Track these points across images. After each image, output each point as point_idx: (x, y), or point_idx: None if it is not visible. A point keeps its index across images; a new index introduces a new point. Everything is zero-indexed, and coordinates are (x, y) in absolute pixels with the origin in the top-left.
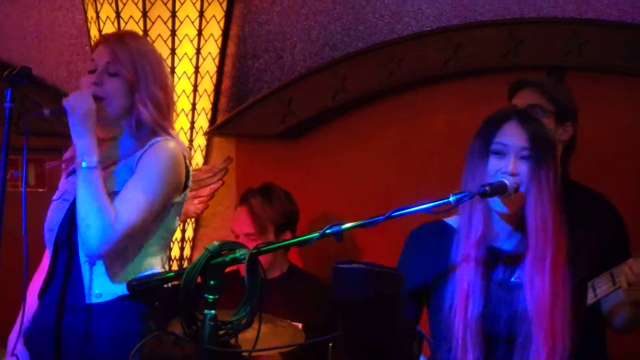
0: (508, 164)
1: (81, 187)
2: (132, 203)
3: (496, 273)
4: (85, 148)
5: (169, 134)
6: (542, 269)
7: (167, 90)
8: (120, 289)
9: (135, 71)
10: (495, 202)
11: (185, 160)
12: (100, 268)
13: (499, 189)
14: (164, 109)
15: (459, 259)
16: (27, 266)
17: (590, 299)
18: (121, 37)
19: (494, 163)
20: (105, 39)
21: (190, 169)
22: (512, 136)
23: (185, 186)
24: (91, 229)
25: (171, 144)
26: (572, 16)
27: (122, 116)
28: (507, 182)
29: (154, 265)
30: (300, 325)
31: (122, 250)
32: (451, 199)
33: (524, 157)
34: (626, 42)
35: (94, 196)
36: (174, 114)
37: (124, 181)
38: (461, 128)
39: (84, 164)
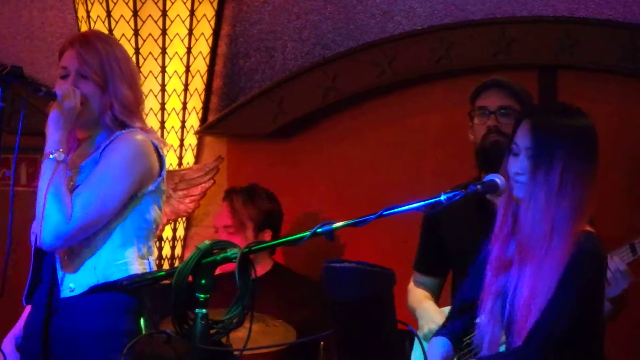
0: (517, 163)
1: (44, 178)
2: (88, 199)
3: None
4: (56, 141)
5: (137, 128)
6: (529, 267)
7: (135, 88)
8: (91, 280)
9: (104, 73)
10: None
11: (158, 149)
12: (69, 261)
13: (490, 188)
14: (132, 106)
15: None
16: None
17: (628, 258)
18: (87, 39)
19: (511, 163)
20: (71, 43)
21: (165, 158)
22: (522, 136)
23: (160, 175)
24: (47, 223)
25: (138, 136)
26: (564, 15)
27: (97, 118)
28: (498, 181)
29: (127, 255)
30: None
31: (88, 241)
32: (442, 197)
33: (529, 157)
34: (618, 41)
35: (54, 190)
36: (143, 107)
37: (88, 174)
38: (453, 127)
39: (51, 156)
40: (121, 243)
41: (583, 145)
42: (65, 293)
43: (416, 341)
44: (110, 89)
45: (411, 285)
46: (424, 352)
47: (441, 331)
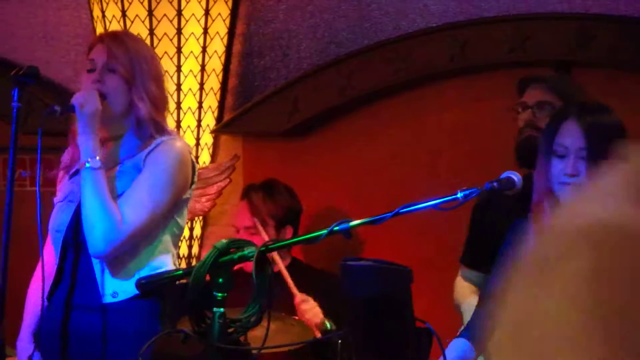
0: (568, 165)
1: (85, 188)
2: (138, 204)
3: None
4: (89, 148)
5: (171, 133)
6: None
7: (162, 88)
8: (133, 287)
9: (132, 67)
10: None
11: (191, 156)
12: (113, 267)
13: (506, 185)
14: (160, 104)
15: None
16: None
17: None
18: (117, 36)
19: (556, 164)
20: (101, 38)
21: (196, 165)
22: (570, 136)
23: (192, 182)
24: (96, 231)
25: (178, 143)
26: (579, 11)
27: (124, 114)
28: (514, 177)
29: (166, 261)
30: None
31: (133, 248)
32: (459, 195)
33: (583, 157)
34: (634, 37)
35: (98, 197)
36: (167, 108)
37: (130, 181)
38: (468, 125)
39: (87, 165)
40: (161, 250)
41: (623, 142)
42: (107, 299)
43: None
44: (138, 85)
45: (458, 279)
46: (443, 351)
47: (463, 333)
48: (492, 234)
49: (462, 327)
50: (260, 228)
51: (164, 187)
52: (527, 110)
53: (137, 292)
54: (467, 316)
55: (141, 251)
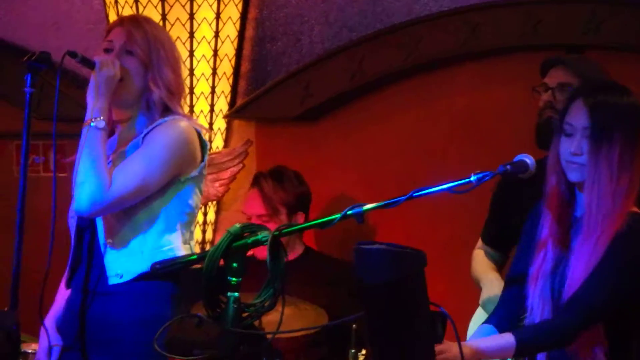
0: (573, 144)
1: (84, 145)
2: (128, 173)
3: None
4: (98, 108)
5: (178, 114)
6: (587, 243)
7: (178, 73)
8: (140, 267)
9: (149, 51)
10: (569, 173)
11: (200, 136)
12: (116, 247)
13: (520, 167)
14: (175, 90)
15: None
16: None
17: None
18: (136, 20)
19: (564, 144)
20: (121, 21)
21: (207, 144)
22: (576, 116)
23: (202, 160)
24: (84, 188)
25: (182, 123)
26: None
27: (137, 98)
28: (527, 160)
29: (171, 240)
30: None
31: (137, 226)
32: (472, 178)
33: (587, 137)
34: None
35: (93, 157)
36: (184, 96)
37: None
38: (479, 109)
39: (92, 124)
40: (165, 228)
41: (636, 125)
42: (113, 280)
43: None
44: (155, 69)
45: (477, 252)
46: (456, 331)
47: (489, 319)
48: (511, 216)
49: (482, 303)
50: None
51: (157, 162)
52: (548, 92)
53: (141, 272)
54: (485, 291)
55: (143, 229)
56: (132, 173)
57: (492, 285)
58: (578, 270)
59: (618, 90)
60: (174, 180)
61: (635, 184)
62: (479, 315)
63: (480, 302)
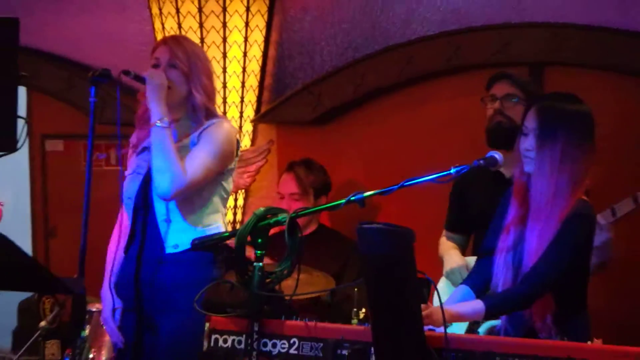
0: (526, 142)
1: (156, 142)
2: (197, 162)
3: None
4: (158, 112)
5: (220, 116)
6: (536, 226)
7: (212, 81)
8: (192, 234)
9: (190, 64)
10: (525, 166)
11: (236, 136)
12: (174, 224)
13: (491, 162)
14: (211, 94)
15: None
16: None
17: (609, 218)
18: (177, 39)
19: (522, 142)
20: (164, 40)
21: (240, 143)
22: (530, 119)
23: (237, 155)
24: (166, 176)
25: (226, 124)
26: (551, 20)
27: (181, 102)
28: (497, 156)
29: (216, 219)
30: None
31: (190, 207)
32: (452, 170)
33: (536, 136)
34: (596, 41)
35: (167, 150)
36: (216, 99)
37: (188, 152)
38: (461, 114)
39: (158, 124)
40: (212, 210)
41: (580, 126)
42: (169, 250)
43: (443, 280)
44: (195, 78)
45: (442, 239)
46: (438, 295)
47: (466, 281)
48: (466, 205)
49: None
50: None
51: (216, 154)
52: (497, 101)
53: (193, 240)
54: (446, 262)
55: (196, 210)
56: (200, 163)
57: (452, 259)
58: (532, 245)
59: (567, 98)
60: (222, 170)
61: (580, 176)
62: (443, 283)
63: (443, 272)
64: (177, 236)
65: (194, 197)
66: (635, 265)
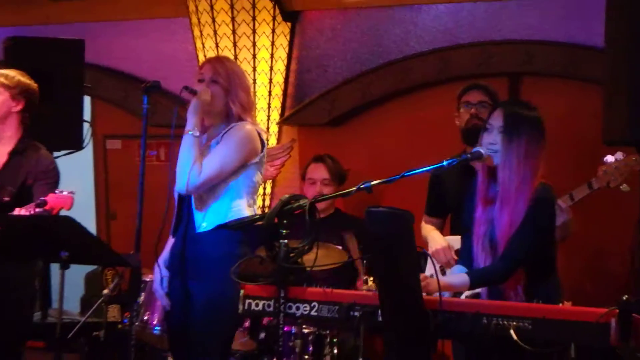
0: (490, 137)
1: (184, 146)
2: (212, 163)
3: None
4: (193, 123)
5: (246, 121)
6: (507, 207)
7: (248, 94)
8: (217, 221)
9: (229, 81)
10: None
11: (259, 135)
12: (205, 209)
13: (476, 156)
14: (247, 106)
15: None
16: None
17: (568, 202)
18: (219, 59)
19: (485, 136)
20: (209, 60)
21: (266, 141)
22: (496, 119)
23: (262, 152)
24: (185, 175)
25: (246, 126)
26: (525, 39)
27: (220, 111)
28: (482, 151)
29: (241, 205)
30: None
31: (216, 195)
32: (444, 163)
33: (501, 132)
34: (562, 55)
35: (191, 154)
36: (255, 110)
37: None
38: (449, 118)
39: (190, 133)
40: (236, 196)
41: (537, 128)
42: (200, 229)
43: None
44: (232, 92)
45: (423, 224)
46: (434, 265)
47: (460, 262)
48: (442, 193)
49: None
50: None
51: (231, 153)
52: (473, 107)
53: (217, 223)
54: (430, 243)
55: (220, 196)
56: (213, 163)
57: (435, 241)
58: (504, 225)
59: (526, 105)
60: (242, 164)
61: (539, 168)
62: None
63: (429, 252)
64: (207, 219)
65: (218, 187)
66: (589, 239)
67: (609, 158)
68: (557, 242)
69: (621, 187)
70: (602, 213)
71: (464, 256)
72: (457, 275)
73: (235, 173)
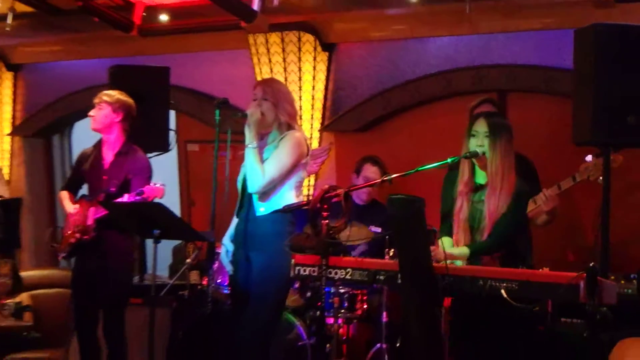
0: (478, 140)
1: (248, 158)
2: (272, 167)
3: (476, 194)
4: (250, 137)
5: (296, 128)
6: (494, 194)
7: (293, 106)
8: (273, 207)
9: (276, 97)
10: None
11: (305, 140)
12: (263, 198)
13: (474, 155)
14: (292, 114)
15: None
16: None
17: (556, 191)
18: (268, 80)
19: (472, 141)
20: (260, 82)
21: (310, 146)
22: (480, 126)
23: (307, 154)
24: (251, 181)
25: (297, 134)
26: (510, 63)
27: (272, 122)
28: (478, 150)
29: (291, 195)
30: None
31: (272, 189)
32: (449, 160)
33: (486, 136)
34: (540, 75)
35: (255, 163)
36: (298, 117)
37: (271, 153)
38: (451, 127)
39: (249, 146)
40: (287, 188)
41: (510, 132)
42: (258, 212)
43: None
44: (280, 106)
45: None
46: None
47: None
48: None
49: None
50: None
51: (287, 157)
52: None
53: (273, 209)
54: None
55: (278, 189)
56: (273, 168)
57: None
58: (491, 209)
59: (500, 116)
60: (294, 166)
61: (514, 161)
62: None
63: None
64: (265, 205)
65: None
66: (568, 219)
67: (589, 157)
68: (546, 222)
69: (598, 180)
70: (580, 200)
71: (445, 234)
72: (458, 248)
73: (290, 173)
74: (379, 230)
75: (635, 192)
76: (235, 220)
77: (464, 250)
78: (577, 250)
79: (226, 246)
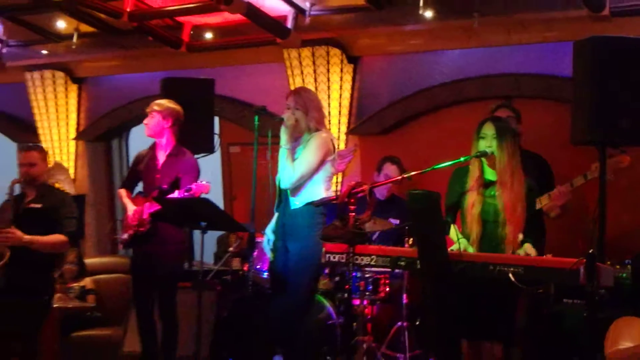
0: (487, 142)
1: (281, 157)
2: (302, 163)
3: (487, 190)
4: (285, 140)
5: (325, 130)
6: (505, 189)
7: (321, 112)
8: (305, 200)
9: (307, 105)
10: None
11: (332, 140)
12: (296, 193)
13: (483, 154)
14: (321, 120)
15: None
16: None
17: (569, 188)
18: (299, 90)
19: (481, 142)
20: (292, 92)
21: (336, 145)
22: (488, 129)
23: (334, 152)
24: (284, 178)
25: (323, 134)
26: (514, 72)
27: (304, 127)
28: (487, 150)
29: (320, 189)
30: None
31: (303, 184)
32: (462, 159)
33: (494, 138)
34: (542, 83)
35: (287, 161)
36: (326, 121)
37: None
38: (462, 130)
39: (283, 147)
40: (317, 184)
41: (515, 134)
42: (293, 206)
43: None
44: (310, 113)
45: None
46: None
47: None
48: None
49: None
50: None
51: (314, 156)
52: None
53: (305, 202)
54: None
55: (308, 185)
56: (302, 166)
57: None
58: (506, 202)
59: (505, 120)
60: (321, 162)
61: (520, 160)
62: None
63: None
64: (299, 199)
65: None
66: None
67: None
68: (560, 214)
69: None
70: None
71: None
72: (526, 249)
73: (317, 169)
74: (397, 222)
75: (636, 188)
76: (276, 214)
77: (533, 252)
78: (586, 239)
79: (268, 236)
